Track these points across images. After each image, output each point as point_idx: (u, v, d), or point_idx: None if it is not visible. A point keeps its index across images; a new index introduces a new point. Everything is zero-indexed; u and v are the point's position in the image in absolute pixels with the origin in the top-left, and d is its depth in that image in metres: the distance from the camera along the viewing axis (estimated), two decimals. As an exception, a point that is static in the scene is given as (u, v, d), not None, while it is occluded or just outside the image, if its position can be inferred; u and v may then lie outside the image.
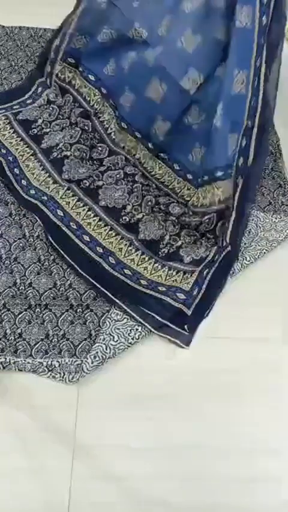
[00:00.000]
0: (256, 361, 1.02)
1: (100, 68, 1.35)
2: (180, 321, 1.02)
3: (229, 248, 1.12)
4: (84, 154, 1.33)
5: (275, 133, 1.45)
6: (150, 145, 1.30)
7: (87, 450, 0.90)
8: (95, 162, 1.33)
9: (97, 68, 1.35)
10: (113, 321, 1.03)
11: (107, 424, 0.93)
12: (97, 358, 0.96)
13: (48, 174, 1.28)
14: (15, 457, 0.88)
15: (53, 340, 1.01)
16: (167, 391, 0.97)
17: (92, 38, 1.35)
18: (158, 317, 1.02)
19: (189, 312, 1.03)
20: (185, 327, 1.02)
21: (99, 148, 1.35)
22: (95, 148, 1.35)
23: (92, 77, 1.37)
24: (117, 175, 1.28)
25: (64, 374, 0.96)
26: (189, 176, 1.27)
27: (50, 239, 1.14)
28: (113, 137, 1.35)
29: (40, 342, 1.00)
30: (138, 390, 0.97)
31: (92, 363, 0.95)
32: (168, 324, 1.02)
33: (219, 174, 1.15)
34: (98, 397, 0.95)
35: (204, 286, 1.07)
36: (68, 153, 1.31)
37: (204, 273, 1.09)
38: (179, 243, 1.16)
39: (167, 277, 1.11)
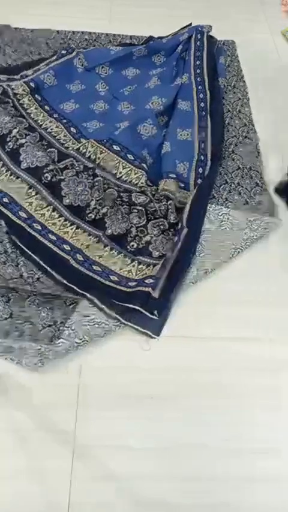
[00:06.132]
0: (256, 361, 1.02)
1: (56, 104, 1.47)
2: (149, 306, 1.00)
3: (186, 230, 1.12)
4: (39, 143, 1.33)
5: (254, 132, 1.45)
6: (103, 141, 1.33)
7: (87, 450, 0.90)
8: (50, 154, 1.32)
9: (54, 103, 1.47)
10: (80, 316, 1.02)
11: (107, 424, 0.93)
12: (59, 354, 0.97)
13: (6, 168, 1.26)
14: (15, 457, 0.88)
15: (17, 322, 0.99)
16: (166, 392, 0.97)
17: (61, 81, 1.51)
18: (128, 305, 1.01)
19: (156, 294, 1.01)
20: (155, 312, 1.00)
21: (49, 153, 1.32)
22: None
23: (47, 107, 1.45)
24: (77, 168, 1.26)
25: (22, 358, 0.96)
26: (145, 166, 1.29)
27: (17, 241, 1.13)
28: (62, 142, 1.36)
29: (3, 321, 0.99)
30: (138, 390, 0.97)
31: (54, 358, 0.96)
32: (139, 308, 0.99)
33: (171, 175, 1.29)
34: (98, 397, 0.95)
35: (168, 267, 1.07)
36: (24, 141, 1.29)
37: (168, 255, 1.09)
38: (148, 237, 1.16)
39: (138, 272, 1.10)
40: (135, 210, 1.19)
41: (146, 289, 1.02)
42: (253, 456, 0.91)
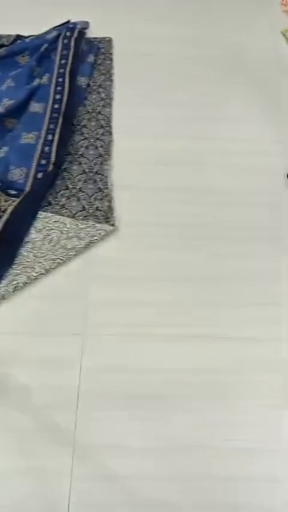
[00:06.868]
0: (255, 361, 1.02)
1: None
2: None
3: None
4: None
5: (109, 134, 1.38)
6: None
7: (87, 450, 0.90)
8: None
9: None
10: None
11: (107, 424, 0.93)
12: None
13: None
14: (16, 457, 0.88)
15: None
16: (166, 391, 0.97)
17: None
18: None
19: None
20: None
21: None
22: None
23: None
24: None
25: None
26: None
27: None
28: None
29: None
30: (138, 390, 0.97)
31: None
32: None
33: None
34: (98, 397, 0.95)
35: None
36: None
37: None
38: None
39: None
40: None
41: None
42: (253, 456, 0.91)
